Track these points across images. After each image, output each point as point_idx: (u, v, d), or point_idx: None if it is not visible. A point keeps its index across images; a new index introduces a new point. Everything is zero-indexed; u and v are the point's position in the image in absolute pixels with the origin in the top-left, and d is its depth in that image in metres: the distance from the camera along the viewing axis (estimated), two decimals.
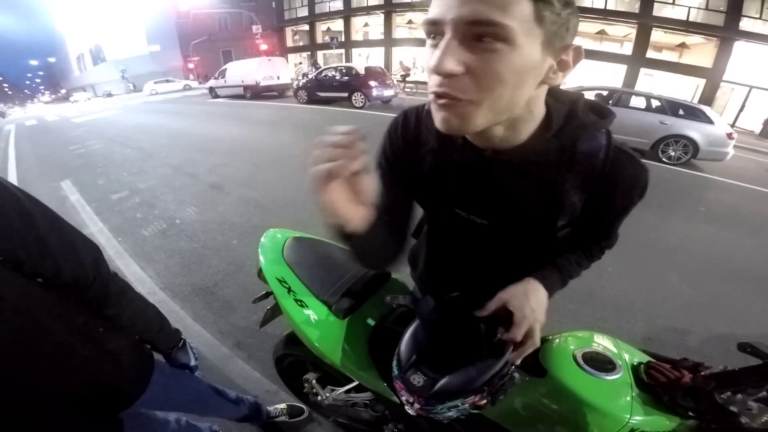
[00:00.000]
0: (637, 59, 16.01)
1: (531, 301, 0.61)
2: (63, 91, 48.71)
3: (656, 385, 0.71)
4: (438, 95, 0.48)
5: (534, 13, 0.43)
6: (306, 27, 26.65)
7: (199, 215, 3.71)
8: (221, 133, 7.85)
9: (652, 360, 0.78)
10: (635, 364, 0.77)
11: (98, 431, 0.84)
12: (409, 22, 22.28)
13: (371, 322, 0.99)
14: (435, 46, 0.47)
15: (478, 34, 0.43)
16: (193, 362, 1.03)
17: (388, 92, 10.95)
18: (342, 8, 23.45)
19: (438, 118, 0.50)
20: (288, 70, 15.53)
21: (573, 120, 0.57)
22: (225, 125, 8.87)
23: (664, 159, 6.34)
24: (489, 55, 0.43)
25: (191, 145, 6.86)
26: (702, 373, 0.70)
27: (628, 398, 0.71)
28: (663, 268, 2.87)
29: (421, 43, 21.30)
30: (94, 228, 3.43)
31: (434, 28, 0.46)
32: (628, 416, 0.68)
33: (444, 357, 0.63)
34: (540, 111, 0.56)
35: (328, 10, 24.63)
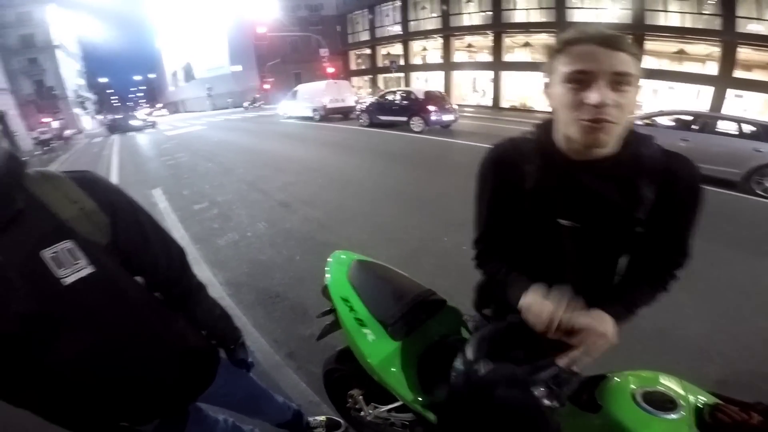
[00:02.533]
0: (724, 79, 14.41)
1: (598, 322, 0.74)
2: (159, 105, 55.08)
3: (720, 427, 0.67)
4: (595, 120, 0.68)
5: (636, 64, 0.68)
6: (368, 51, 27.80)
7: (268, 230, 4.08)
8: (290, 153, 8.50)
9: (720, 402, 0.73)
10: (700, 405, 0.72)
11: (170, 420, 0.96)
12: (469, 45, 22.34)
13: (422, 345, 1.07)
14: (576, 89, 0.69)
15: (618, 81, 0.67)
16: (250, 359, 1.12)
17: (447, 117, 10.95)
18: (401, 32, 24.12)
19: (590, 137, 0.70)
20: (352, 93, 16.15)
21: (632, 134, 0.76)
22: (294, 145, 9.57)
23: (759, 191, 5.47)
24: (623, 93, 0.67)
25: (264, 163, 7.53)
26: None
27: None
28: (752, 312, 2.57)
29: (480, 66, 21.54)
30: (177, 234, 3.95)
31: (581, 76, 0.68)
32: None
33: (508, 352, 0.74)
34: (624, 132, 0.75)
35: (387, 35, 25.49)
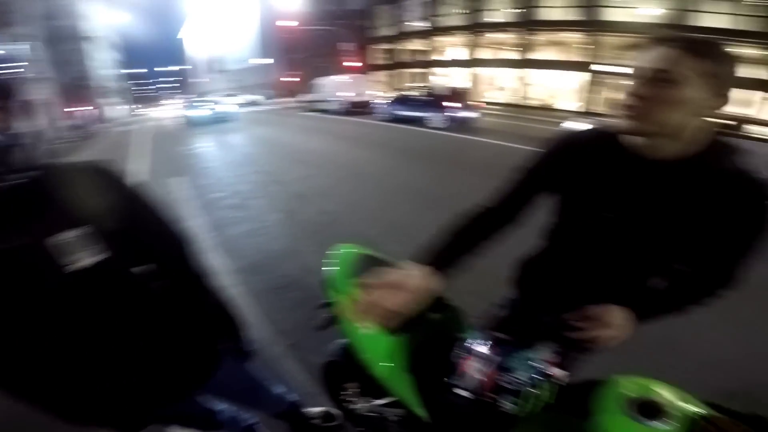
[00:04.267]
0: None
1: (616, 317, 0.77)
2: (192, 96, 56.31)
3: None
4: (628, 107, 0.74)
5: (696, 67, 0.68)
6: (392, 45, 27.58)
7: (284, 221, 4.14)
8: (310, 146, 8.59)
9: (715, 414, 0.72)
10: (693, 415, 0.71)
11: (178, 408, 0.98)
12: (495, 43, 21.88)
13: (416, 340, 1.07)
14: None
15: (658, 77, 0.70)
16: (250, 349, 1.11)
17: (469, 114, 10.81)
18: (427, 28, 23.89)
19: (622, 124, 0.76)
20: (374, 88, 16.16)
21: (715, 144, 0.76)
22: (313, 138, 9.64)
23: None
24: (662, 90, 0.70)
25: (284, 155, 7.65)
26: None
27: None
28: None
29: (506, 64, 21.05)
30: (196, 221, 4.04)
31: (636, 71, 0.73)
32: None
33: (524, 323, 0.78)
34: (695, 135, 0.75)
35: (412, 30, 25.24)
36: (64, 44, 31.06)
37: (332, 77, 16.02)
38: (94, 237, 0.73)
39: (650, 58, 0.71)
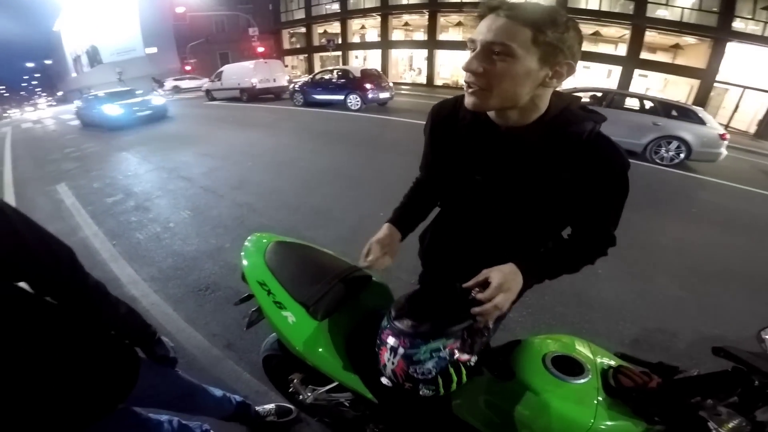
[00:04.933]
0: (631, 60, 16.12)
1: (507, 276, 0.75)
2: (60, 93, 48.05)
3: (623, 389, 0.72)
4: (468, 84, 0.74)
5: (532, 37, 0.66)
6: (303, 29, 26.65)
7: (193, 219, 3.73)
8: (216, 136, 7.85)
9: (624, 364, 0.79)
10: (606, 368, 0.78)
11: (112, 423, 0.92)
12: (406, 24, 22.33)
13: (349, 323, 1.02)
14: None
15: (494, 50, 0.68)
16: (171, 354, 1.07)
17: (384, 94, 10.95)
18: (338, 10, 23.50)
19: (467, 100, 0.76)
20: (284, 72, 15.50)
21: (565, 112, 0.78)
22: (220, 128, 8.86)
23: (656, 160, 6.39)
24: (498, 63, 0.68)
25: (186, 148, 6.86)
26: (675, 377, 0.70)
27: (594, 402, 0.71)
28: (654, 269, 2.90)
29: (416, 45, 21.67)
30: (89, 231, 3.46)
31: (470, 45, 0.72)
32: (592, 421, 0.69)
33: (427, 310, 0.76)
34: (543, 104, 0.77)
35: (324, 13, 24.65)
36: None
37: (238, 63, 14.96)
38: None
39: (483, 30, 0.69)
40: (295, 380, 1.27)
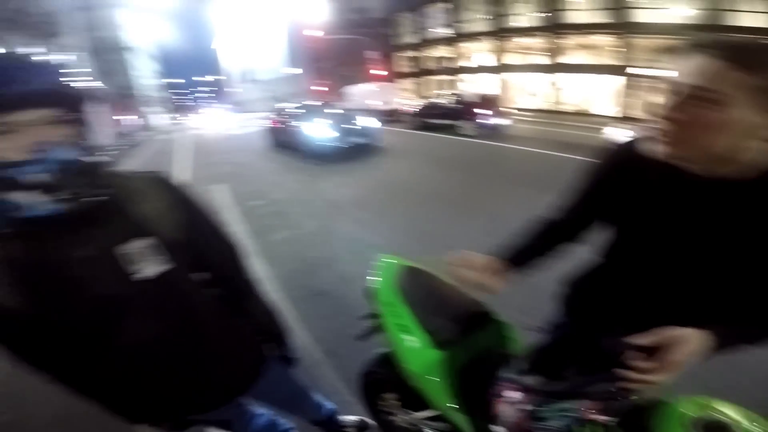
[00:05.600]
0: None
1: (693, 350, 0.63)
2: (222, 105, 57.47)
3: None
4: (663, 132, 0.65)
5: (752, 83, 0.55)
6: (415, 53, 27.53)
7: (320, 229, 4.28)
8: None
9: None
10: None
11: (223, 411, 1.00)
12: (523, 47, 21.47)
13: (466, 357, 1.05)
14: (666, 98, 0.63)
15: (702, 96, 0.58)
16: (294, 356, 1.14)
17: (500, 120, 10.59)
18: (450, 34, 23.71)
19: (661, 148, 0.67)
20: (397, 95, 15.99)
21: None
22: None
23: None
24: (707, 112, 0.58)
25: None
26: None
27: None
28: None
29: (536, 68, 20.55)
30: (236, 228, 4.22)
31: (672, 86, 0.63)
32: None
33: (563, 366, 0.70)
34: (753, 157, 0.63)
35: (436, 37, 25.07)
36: (107, 55, 32.04)
37: (358, 86, 16.03)
38: (158, 248, 0.76)
39: (687, 71, 0.60)
40: (390, 399, 1.32)
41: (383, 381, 1.34)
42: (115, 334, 0.75)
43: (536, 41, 20.38)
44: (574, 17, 18.46)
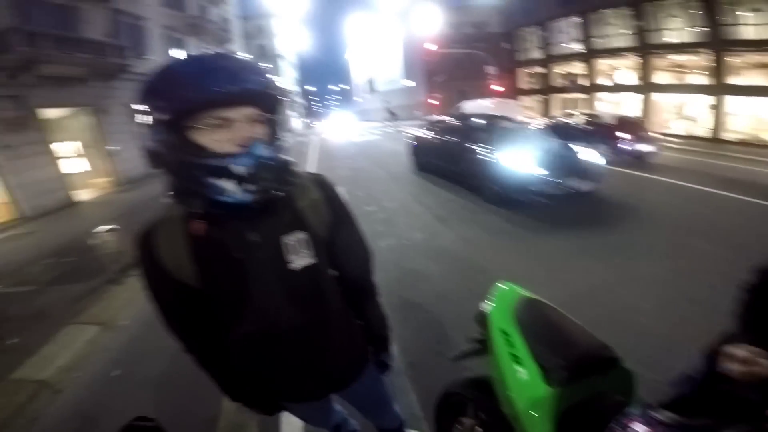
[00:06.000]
0: None
1: None
2: (351, 114, 61.08)
3: None
4: None
5: None
6: (540, 69, 25.79)
7: (424, 242, 4.36)
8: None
9: None
10: None
11: (315, 403, 1.03)
12: (676, 65, 18.17)
13: (574, 399, 0.98)
14: None
15: None
16: (390, 363, 1.14)
17: (644, 147, 8.96)
18: (582, 50, 21.64)
19: None
20: (522, 113, 15.31)
21: None
22: None
23: None
24: None
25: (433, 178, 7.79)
26: None
27: None
28: None
29: (693, 89, 17.36)
30: None
31: None
32: None
33: (702, 403, 0.70)
34: None
35: (564, 52, 23.14)
36: (265, 61, 35.46)
37: (477, 101, 15.56)
38: (308, 243, 0.80)
39: None
40: (468, 425, 1.30)
41: (465, 405, 1.33)
42: (258, 316, 0.80)
43: (691, 59, 17.17)
44: (741, 33, 15.05)
